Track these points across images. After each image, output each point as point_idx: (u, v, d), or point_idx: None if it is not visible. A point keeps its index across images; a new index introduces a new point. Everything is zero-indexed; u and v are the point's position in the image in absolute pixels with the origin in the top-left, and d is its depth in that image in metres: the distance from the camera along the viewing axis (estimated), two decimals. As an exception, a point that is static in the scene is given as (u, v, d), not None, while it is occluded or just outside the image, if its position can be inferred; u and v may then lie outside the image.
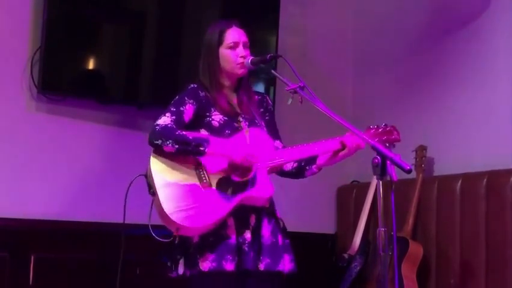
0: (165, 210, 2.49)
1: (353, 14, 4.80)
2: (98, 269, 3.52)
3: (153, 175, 2.54)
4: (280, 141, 2.88)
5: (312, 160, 2.77)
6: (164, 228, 2.56)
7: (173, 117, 2.63)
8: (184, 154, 2.57)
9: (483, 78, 3.87)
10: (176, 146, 2.54)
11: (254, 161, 2.63)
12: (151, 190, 2.55)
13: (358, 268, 3.97)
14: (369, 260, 3.96)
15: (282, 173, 2.86)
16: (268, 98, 2.96)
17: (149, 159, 2.58)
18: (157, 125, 2.60)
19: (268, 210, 2.72)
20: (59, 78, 3.59)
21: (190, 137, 2.57)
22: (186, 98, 2.70)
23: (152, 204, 2.57)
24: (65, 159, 3.64)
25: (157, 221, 2.56)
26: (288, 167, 2.83)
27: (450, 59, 4.08)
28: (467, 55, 3.98)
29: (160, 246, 2.64)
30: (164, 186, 2.54)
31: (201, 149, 2.56)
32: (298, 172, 2.83)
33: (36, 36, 3.54)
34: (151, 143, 2.58)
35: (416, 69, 4.31)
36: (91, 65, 3.71)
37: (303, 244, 4.22)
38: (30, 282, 3.45)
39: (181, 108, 2.67)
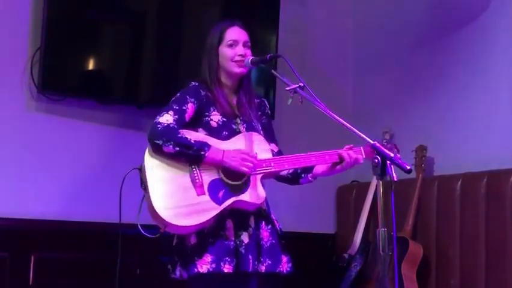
0: (154, 206, 2.48)
1: (353, 13, 4.80)
2: (98, 269, 3.52)
3: (146, 170, 2.53)
4: (276, 144, 2.86)
5: (308, 169, 2.77)
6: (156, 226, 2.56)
7: (176, 116, 2.60)
8: (183, 157, 2.54)
9: (483, 78, 3.87)
10: (177, 149, 2.52)
11: (251, 165, 2.58)
12: (143, 185, 2.54)
13: (358, 268, 3.97)
14: (369, 260, 3.96)
15: (277, 177, 2.85)
16: (266, 102, 2.94)
17: (144, 153, 2.56)
18: (159, 123, 2.56)
19: (265, 212, 2.72)
20: (59, 78, 3.58)
21: (192, 141, 2.55)
22: (188, 97, 2.66)
23: (142, 199, 2.56)
24: (65, 159, 3.64)
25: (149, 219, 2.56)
26: (284, 172, 2.82)
27: (450, 59, 4.08)
28: (467, 55, 3.98)
29: (159, 247, 2.64)
30: (157, 182, 2.52)
31: (202, 153, 2.53)
32: (294, 179, 2.83)
33: (36, 36, 3.54)
34: (151, 142, 2.54)
35: (416, 69, 4.30)
36: (91, 65, 3.70)
37: (303, 244, 4.24)
38: (30, 282, 3.44)
39: (183, 108, 2.63)
